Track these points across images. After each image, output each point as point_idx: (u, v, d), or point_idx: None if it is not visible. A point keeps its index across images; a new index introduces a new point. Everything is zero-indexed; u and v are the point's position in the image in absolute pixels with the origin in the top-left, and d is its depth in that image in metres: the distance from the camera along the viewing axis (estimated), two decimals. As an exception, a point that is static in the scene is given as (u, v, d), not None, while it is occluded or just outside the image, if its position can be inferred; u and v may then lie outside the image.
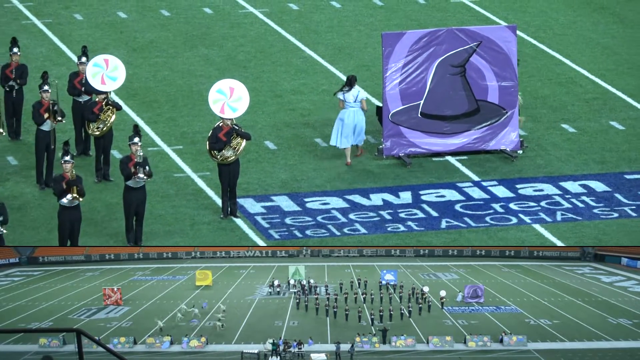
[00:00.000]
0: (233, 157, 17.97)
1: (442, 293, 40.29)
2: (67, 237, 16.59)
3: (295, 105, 21.93)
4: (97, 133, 18.42)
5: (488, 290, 44.42)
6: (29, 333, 37.31)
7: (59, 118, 18.24)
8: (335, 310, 37.27)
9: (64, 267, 62.84)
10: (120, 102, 19.61)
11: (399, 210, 18.50)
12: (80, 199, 16.47)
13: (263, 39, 24.61)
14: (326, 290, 45.03)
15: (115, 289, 42.92)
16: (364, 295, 41.25)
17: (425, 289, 41.57)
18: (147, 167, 17.02)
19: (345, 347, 29.17)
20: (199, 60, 23.26)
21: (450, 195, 18.98)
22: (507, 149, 20.04)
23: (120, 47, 23.20)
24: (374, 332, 32.96)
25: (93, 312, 39.97)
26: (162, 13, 25.19)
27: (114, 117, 18.51)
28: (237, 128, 18.18)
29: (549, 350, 30.37)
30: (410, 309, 38.54)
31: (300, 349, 29.41)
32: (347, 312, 36.58)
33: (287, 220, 18.14)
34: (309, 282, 45.70)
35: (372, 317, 35.64)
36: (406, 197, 18.88)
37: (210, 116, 19.33)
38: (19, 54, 19.77)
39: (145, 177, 16.91)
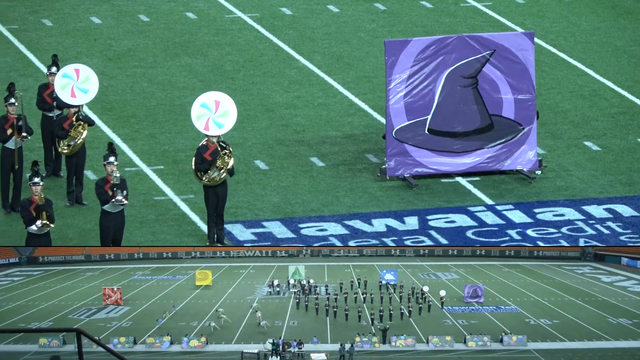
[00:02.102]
0: (220, 178, 16.49)
1: (442, 293, 40.27)
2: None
3: (288, 120, 20.14)
4: (67, 151, 16.78)
5: (488, 290, 44.39)
6: (29, 333, 37.28)
7: (25, 134, 16.52)
8: (335, 310, 37.24)
9: (64, 267, 62.80)
10: (94, 117, 18.17)
11: (404, 237, 17.00)
12: (51, 226, 15.09)
13: (253, 46, 22.62)
14: (326, 290, 45.01)
15: (115, 289, 42.88)
16: (364, 295, 41.23)
17: (425, 288, 41.54)
18: (125, 190, 15.56)
19: (347, 347, 29.14)
20: (181, 71, 21.42)
21: (461, 220, 17.38)
22: (524, 169, 18.48)
23: (94, 56, 21.37)
24: (374, 332, 32.94)
25: (93, 312, 39.94)
26: (140, 18, 23.10)
27: (85, 133, 16.81)
28: (224, 145, 16.59)
29: (549, 350, 30.34)
30: (410, 308, 38.51)
31: (301, 348, 29.39)
32: (347, 312, 36.55)
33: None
34: (309, 282, 45.67)
35: (372, 317, 35.61)
36: (412, 222, 17.30)
37: (194, 132, 17.62)
38: None
39: (124, 201, 15.43)
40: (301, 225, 17.19)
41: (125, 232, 15.89)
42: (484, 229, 17.22)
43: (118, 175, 15.65)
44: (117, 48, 22.09)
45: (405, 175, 18.39)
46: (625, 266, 58.59)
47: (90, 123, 17.24)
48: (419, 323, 35.61)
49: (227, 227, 16.85)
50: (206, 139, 16.78)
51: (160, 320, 36.22)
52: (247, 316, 37.59)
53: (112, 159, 15.80)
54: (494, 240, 16.97)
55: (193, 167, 16.71)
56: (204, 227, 16.79)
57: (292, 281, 47.20)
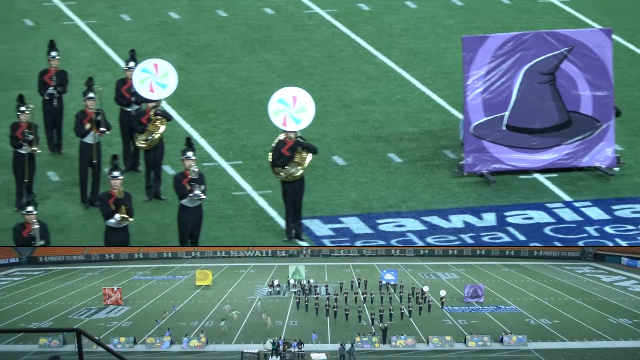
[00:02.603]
0: (298, 174, 16.38)
1: (442, 293, 40.28)
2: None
3: (366, 116, 19.96)
4: (144, 145, 16.74)
5: (488, 290, 44.39)
6: (29, 333, 37.28)
7: (103, 129, 16.59)
8: (335, 310, 37.24)
9: (64, 267, 62.81)
10: (172, 112, 18.14)
11: (482, 234, 16.82)
12: (130, 219, 15.01)
13: (330, 42, 22.48)
14: (326, 290, 45.01)
15: (115, 289, 42.89)
16: (364, 295, 41.23)
17: (425, 288, 41.55)
18: (203, 185, 15.49)
19: (348, 347, 29.14)
20: (259, 66, 21.29)
21: (539, 217, 17.26)
22: (602, 166, 18.30)
23: (173, 51, 21.27)
24: (374, 332, 32.94)
25: (93, 312, 39.95)
26: (218, 14, 23.03)
27: (163, 128, 16.72)
28: (302, 141, 16.49)
29: (549, 350, 30.34)
30: (411, 308, 38.51)
31: (301, 348, 29.39)
32: (347, 312, 36.56)
33: (358, 244, 16.62)
34: (309, 282, 45.69)
35: (372, 316, 35.61)
36: (490, 218, 17.17)
37: (272, 128, 17.25)
38: (58, 58, 18.02)
39: (202, 196, 15.31)
40: (379, 221, 17.14)
41: (203, 227, 15.84)
42: (561, 225, 17.14)
43: (196, 169, 15.60)
44: (195, 43, 22.01)
45: (483, 172, 18.34)
46: (625, 266, 58.60)
47: (168, 118, 17.15)
48: (419, 323, 35.61)
49: (305, 222, 16.77)
50: (284, 134, 16.67)
51: (159, 321, 36.19)
52: (247, 316, 37.58)
53: (190, 153, 15.79)
54: (571, 237, 16.87)
55: (270, 162, 16.64)
56: (282, 223, 16.72)
57: (292, 281, 47.22)
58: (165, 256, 67.60)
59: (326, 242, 16.60)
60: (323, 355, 28.32)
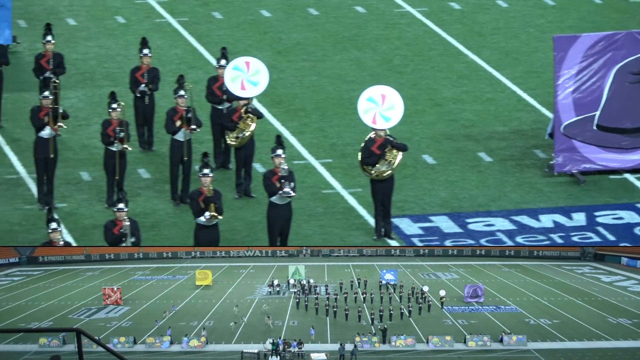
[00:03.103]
0: (388, 173, 16.36)
1: (442, 293, 40.28)
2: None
3: (456, 115, 19.87)
4: (235, 143, 16.81)
5: (488, 290, 44.40)
6: (29, 333, 37.28)
7: (194, 126, 16.57)
8: (335, 310, 37.25)
9: (64, 266, 62.81)
10: (263, 110, 18.09)
11: (572, 234, 16.75)
12: (219, 217, 14.98)
13: (421, 41, 22.36)
14: (326, 290, 45.01)
15: (115, 289, 42.90)
16: (364, 295, 41.23)
17: (425, 288, 41.56)
18: (292, 182, 15.48)
19: (348, 347, 29.16)
20: (350, 65, 21.16)
21: (629, 217, 17.14)
22: None
23: (264, 49, 21.18)
24: (374, 332, 32.94)
25: (93, 311, 39.95)
26: (309, 12, 22.85)
27: (254, 125, 16.77)
28: (392, 139, 16.47)
29: (549, 350, 30.34)
30: (410, 308, 38.53)
31: (301, 348, 29.40)
32: (347, 312, 36.57)
33: (447, 243, 16.59)
34: (308, 282, 45.70)
35: (372, 316, 35.62)
36: (579, 218, 17.08)
37: (362, 126, 17.26)
38: (150, 55, 18.03)
39: (291, 193, 15.32)
40: (468, 220, 17.11)
41: (293, 225, 15.85)
42: None
43: (286, 167, 15.64)
44: (286, 41, 21.96)
45: (573, 171, 18.29)
46: (625, 266, 58.60)
47: (259, 116, 17.15)
48: (419, 323, 35.62)
49: (394, 221, 16.74)
50: (374, 132, 16.65)
51: (159, 322, 36.19)
52: (247, 316, 37.58)
53: (280, 151, 15.81)
54: None
55: (359, 160, 16.60)
56: (372, 221, 16.67)
57: (292, 281, 47.23)
58: (165, 256, 67.59)
59: (415, 240, 16.60)
60: (323, 355, 28.33)
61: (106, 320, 37.35)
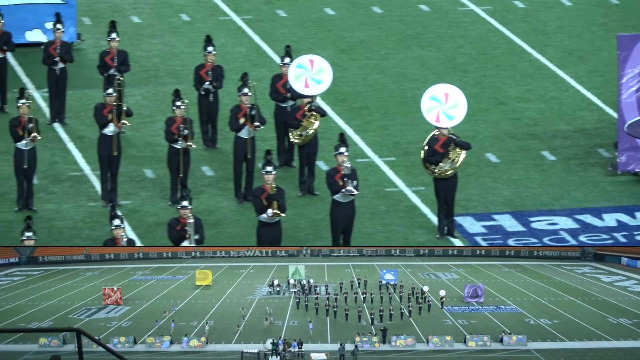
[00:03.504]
0: (451, 171, 16.42)
1: (442, 292, 40.28)
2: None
3: (520, 114, 19.87)
4: (298, 141, 16.87)
5: (488, 290, 44.39)
6: (29, 333, 37.28)
7: (257, 124, 16.70)
8: (335, 310, 37.25)
9: (64, 266, 62.81)
10: (326, 108, 18.17)
11: (635, 232, 16.73)
12: (282, 215, 15.06)
13: (485, 39, 22.38)
14: (326, 289, 45.01)
15: (115, 289, 42.90)
16: (364, 295, 41.23)
17: (425, 288, 41.55)
18: (355, 180, 15.53)
19: (348, 347, 29.16)
20: (413, 63, 21.17)
21: None
22: None
23: (327, 47, 21.21)
24: (374, 332, 32.94)
25: (93, 311, 39.95)
26: (373, 10, 22.88)
27: (317, 123, 16.83)
28: (455, 138, 16.52)
29: (549, 350, 30.34)
30: (410, 308, 38.53)
31: (301, 348, 29.40)
32: (347, 312, 36.56)
33: (510, 242, 16.58)
34: (308, 282, 45.69)
35: (372, 316, 35.62)
36: None
37: (425, 124, 17.33)
38: (214, 53, 18.11)
39: (354, 191, 15.36)
40: (531, 219, 17.08)
41: (356, 223, 15.90)
42: None
43: (349, 165, 15.67)
44: (350, 39, 21.98)
45: (637, 170, 18.27)
46: (625, 266, 58.59)
47: (323, 114, 17.17)
48: (419, 323, 35.61)
49: (457, 219, 16.78)
50: (437, 130, 16.67)
51: (159, 321, 36.20)
52: (247, 316, 37.57)
53: (343, 149, 15.88)
54: None
55: (422, 158, 16.64)
56: (435, 220, 16.75)
57: (292, 281, 47.22)
58: (165, 256, 67.57)
59: (479, 239, 16.58)
60: (323, 355, 28.32)
61: (106, 320, 37.34)
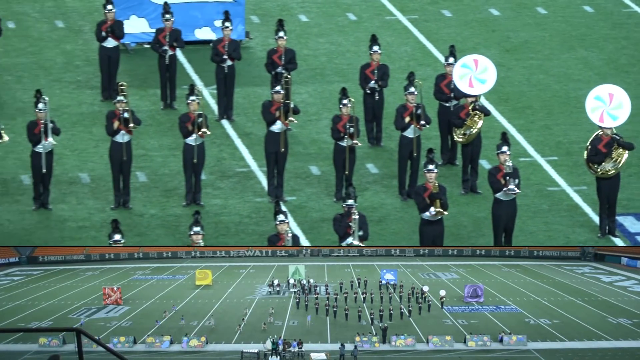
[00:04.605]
0: (613, 171, 16.48)
1: (442, 292, 40.29)
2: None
3: None
4: (462, 140, 17.13)
5: (488, 290, 44.41)
6: (28, 332, 37.28)
7: (423, 123, 16.97)
8: (335, 309, 37.26)
9: (64, 266, 62.83)
10: (490, 107, 18.35)
11: None
12: (444, 213, 15.21)
13: None
14: (326, 289, 45.02)
15: (115, 289, 42.91)
16: (364, 295, 41.24)
17: (425, 288, 41.57)
18: (517, 179, 15.77)
19: (348, 347, 29.16)
20: (576, 64, 21.20)
21: None
22: None
23: (491, 47, 21.39)
24: (374, 332, 32.95)
25: (93, 311, 39.95)
26: (538, 11, 23.04)
27: (481, 123, 17.05)
28: (619, 138, 16.57)
29: (549, 350, 30.35)
30: (410, 308, 38.54)
31: (301, 348, 29.41)
32: (347, 312, 36.57)
33: None
34: (308, 282, 45.71)
35: (372, 316, 35.63)
36: None
37: (588, 125, 17.51)
38: (380, 52, 18.32)
39: (516, 190, 15.66)
40: None
41: (518, 222, 16.09)
42: None
43: (511, 164, 15.86)
44: (514, 40, 22.12)
45: None
46: (625, 266, 58.61)
47: (486, 113, 17.37)
48: (419, 323, 35.63)
49: (619, 219, 16.80)
50: (600, 130, 16.72)
51: (159, 321, 36.21)
52: (247, 316, 37.59)
53: (505, 148, 16.07)
54: None
55: (585, 158, 16.73)
56: (596, 219, 16.84)
57: (292, 281, 47.24)
58: (165, 256, 67.59)
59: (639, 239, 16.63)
60: (323, 355, 28.33)
61: (106, 320, 37.35)
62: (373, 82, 18.25)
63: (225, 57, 18.53)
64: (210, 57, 18.82)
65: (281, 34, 18.88)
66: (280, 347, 29.11)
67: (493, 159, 16.87)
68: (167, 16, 18.56)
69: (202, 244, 15.28)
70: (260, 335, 32.57)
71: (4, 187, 16.49)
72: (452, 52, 18.25)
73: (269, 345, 29.23)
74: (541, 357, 29.18)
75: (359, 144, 17.26)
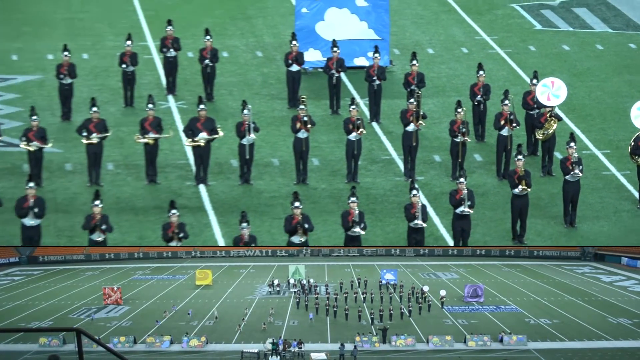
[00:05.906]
0: None
1: (442, 292, 40.32)
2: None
3: None
4: (541, 137, 21.86)
5: (488, 290, 44.44)
6: (29, 332, 37.31)
7: (514, 125, 21.58)
8: (335, 309, 37.29)
9: (64, 266, 62.86)
10: (562, 115, 22.98)
11: None
12: (528, 190, 19.28)
13: None
14: (326, 289, 45.05)
15: (115, 289, 42.94)
16: (364, 295, 41.28)
17: (425, 288, 41.61)
18: (581, 166, 20.01)
19: (348, 347, 29.17)
20: (624, 84, 26.07)
21: None
22: None
23: (563, 72, 26.00)
24: (374, 332, 32.97)
25: (93, 311, 39.96)
26: (597, 47, 28.40)
27: (555, 126, 21.76)
28: None
29: (549, 349, 30.37)
30: (410, 308, 38.57)
31: (301, 348, 29.43)
32: (347, 312, 36.60)
33: None
34: (308, 282, 45.74)
35: (372, 316, 35.66)
36: None
37: (631, 128, 21.52)
38: (484, 75, 23.01)
39: (580, 174, 19.79)
40: None
41: (581, 196, 19.87)
42: None
43: (576, 155, 19.93)
44: (579, 67, 27.08)
45: None
46: (625, 266, 58.65)
47: (559, 119, 22.05)
48: (419, 323, 35.66)
49: None
50: None
51: (159, 321, 36.24)
52: (247, 316, 37.62)
53: (572, 144, 20.25)
54: None
55: (629, 151, 20.50)
56: (636, 194, 20.40)
57: (292, 281, 47.27)
58: (165, 256, 67.63)
59: None
60: (323, 355, 28.35)
61: (106, 320, 37.38)
62: (479, 96, 22.92)
63: (374, 78, 23.43)
64: (364, 78, 23.69)
65: (414, 62, 23.59)
66: (280, 347, 29.14)
67: (563, 151, 21.34)
68: (335, 49, 23.88)
69: (357, 211, 17.75)
70: (260, 335, 32.60)
71: (219, 168, 21.05)
72: (535, 76, 22.69)
73: (269, 345, 29.25)
74: (541, 357, 29.21)
75: (469, 140, 21.35)
